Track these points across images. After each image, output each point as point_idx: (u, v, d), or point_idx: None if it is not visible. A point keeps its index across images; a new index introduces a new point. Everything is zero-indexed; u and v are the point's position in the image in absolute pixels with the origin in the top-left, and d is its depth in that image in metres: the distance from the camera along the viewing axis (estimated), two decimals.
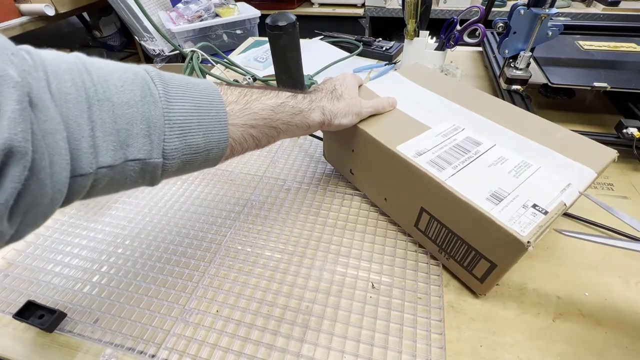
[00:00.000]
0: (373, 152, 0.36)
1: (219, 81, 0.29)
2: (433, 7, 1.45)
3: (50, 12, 1.27)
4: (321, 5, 1.69)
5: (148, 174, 0.23)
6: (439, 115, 0.38)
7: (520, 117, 0.37)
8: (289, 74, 0.45)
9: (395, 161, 0.33)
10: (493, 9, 1.05)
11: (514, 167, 0.30)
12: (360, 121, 0.37)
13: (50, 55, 0.20)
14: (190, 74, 0.60)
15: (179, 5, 1.37)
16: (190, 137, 0.24)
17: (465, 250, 0.30)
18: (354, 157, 0.40)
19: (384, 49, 0.80)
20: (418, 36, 0.61)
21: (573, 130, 0.34)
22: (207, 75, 0.62)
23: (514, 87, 0.55)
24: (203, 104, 0.25)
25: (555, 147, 0.32)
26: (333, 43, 0.85)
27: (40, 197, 0.17)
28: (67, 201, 0.20)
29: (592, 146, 0.33)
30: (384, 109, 0.38)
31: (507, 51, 0.54)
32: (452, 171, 0.30)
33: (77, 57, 0.21)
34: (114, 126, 0.20)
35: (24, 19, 1.26)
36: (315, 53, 0.81)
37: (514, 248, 0.25)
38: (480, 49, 0.82)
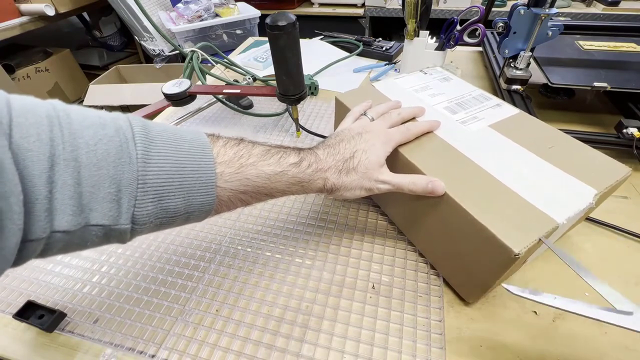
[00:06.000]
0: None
1: (215, 135, 0.26)
2: (433, 7, 1.45)
3: (50, 12, 1.28)
4: (321, 5, 1.69)
5: (114, 237, 0.21)
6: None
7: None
8: (289, 74, 0.45)
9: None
10: (493, 9, 1.06)
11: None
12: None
13: (20, 103, 0.18)
14: (190, 74, 0.60)
15: (179, 5, 1.37)
16: (167, 201, 0.22)
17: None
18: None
19: (384, 49, 0.80)
20: (418, 36, 0.61)
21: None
22: (207, 76, 0.62)
23: (514, 87, 0.55)
24: (188, 164, 0.22)
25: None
26: (333, 43, 0.85)
27: None
28: (14, 264, 0.18)
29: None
30: (414, 186, 0.30)
31: (507, 51, 0.54)
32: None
33: (54, 107, 0.19)
34: (76, 189, 0.18)
35: (24, 19, 1.27)
36: (315, 53, 0.81)
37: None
38: (480, 49, 0.82)
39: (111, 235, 0.21)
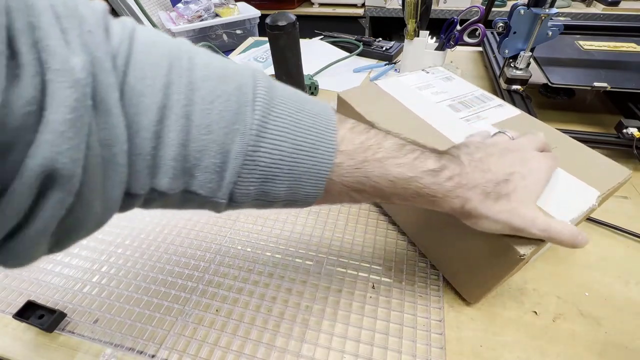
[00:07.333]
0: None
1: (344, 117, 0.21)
2: (433, 7, 1.45)
3: None
4: (321, 5, 1.69)
5: (209, 206, 0.19)
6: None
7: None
8: (289, 74, 0.45)
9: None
10: (493, 9, 1.06)
11: None
12: None
13: (145, 36, 0.16)
14: None
15: (179, 5, 1.37)
16: (270, 185, 0.18)
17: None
18: None
19: (384, 49, 0.80)
20: (418, 36, 0.61)
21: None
22: None
23: (514, 87, 0.55)
24: (305, 146, 0.18)
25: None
26: (333, 43, 0.85)
27: (86, 219, 0.15)
28: (120, 211, 0.17)
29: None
30: (565, 240, 0.23)
31: (507, 51, 0.54)
32: None
33: (179, 48, 0.16)
34: (181, 151, 0.16)
35: None
36: (315, 53, 0.81)
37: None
38: (480, 49, 0.82)
39: (206, 203, 0.18)
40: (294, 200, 0.20)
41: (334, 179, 0.20)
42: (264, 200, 0.19)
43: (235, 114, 0.17)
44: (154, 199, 0.17)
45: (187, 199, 0.18)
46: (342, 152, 0.19)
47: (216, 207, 0.19)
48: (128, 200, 0.16)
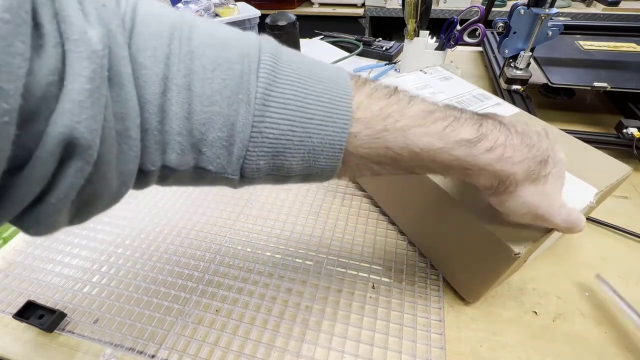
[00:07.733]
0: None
1: (362, 78, 0.19)
2: (433, 7, 1.45)
3: None
4: (321, 5, 1.69)
5: (222, 183, 0.18)
6: None
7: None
8: None
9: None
10: (493, 9, 1.06)
11: None
12: None
13: (147, 9, 0.15)
14: None
15: (179, 5, 1.37)
16: (282, 158, 0.17)
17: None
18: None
19: (384, 48, 0.80)
20: (418, 36, 0.61)
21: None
22: None
23: (514, 87, 0.55)
24: (317, 115, 0.17)
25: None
26: (333, 43, 0.85)
27: (103, 191, 0.15)
28: (134, 189, 0.17)
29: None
30: (579, 230, 0.23)
31: (507, 51, 0.54)
32: None
33: (183, 18, 0.16)
34: (185, 125, 0.15)
35: None
36: (315, 53, 0.81)
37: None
38: (480, 49, 0.82)
39: (218, 180, 0.18)
40: (310, 174, 0.19)
41: (351, 150, 0.18)
42: (278, 174, 0.18)
43: (239, 83, 0.16)
44: (167, 175, 0.17)
45: (199, 175, 0.17)
46: (358, 119, 0.18)
47: (230, 183, 0.18)
48: (142, 177, 0.16)
